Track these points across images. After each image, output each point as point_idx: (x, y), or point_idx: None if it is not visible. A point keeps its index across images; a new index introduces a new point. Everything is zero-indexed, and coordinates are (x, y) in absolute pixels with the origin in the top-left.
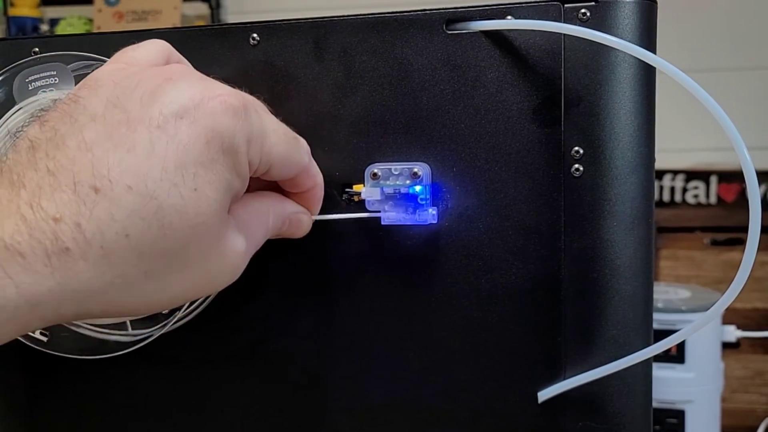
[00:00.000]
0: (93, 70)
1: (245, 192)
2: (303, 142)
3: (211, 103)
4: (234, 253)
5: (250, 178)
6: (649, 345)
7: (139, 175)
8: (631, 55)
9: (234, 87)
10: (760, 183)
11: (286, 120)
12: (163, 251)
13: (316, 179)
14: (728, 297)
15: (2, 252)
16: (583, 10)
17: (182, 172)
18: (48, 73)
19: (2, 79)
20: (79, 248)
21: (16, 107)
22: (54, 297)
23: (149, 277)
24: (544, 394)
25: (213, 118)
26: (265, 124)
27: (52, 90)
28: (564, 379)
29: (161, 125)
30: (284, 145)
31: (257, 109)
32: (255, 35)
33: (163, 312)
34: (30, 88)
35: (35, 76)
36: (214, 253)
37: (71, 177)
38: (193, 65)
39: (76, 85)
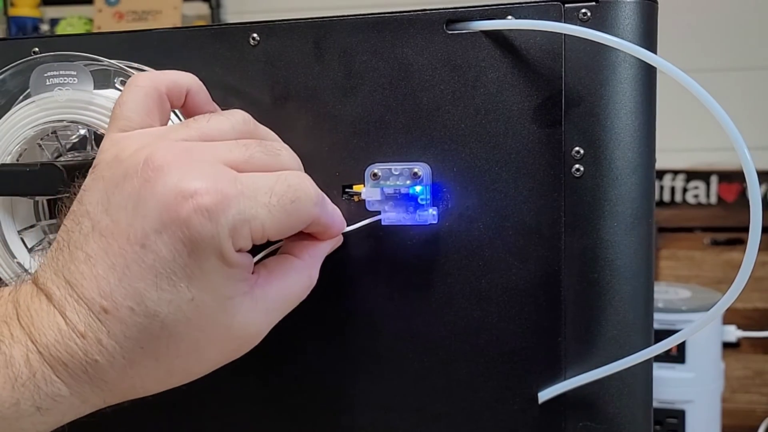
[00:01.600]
0: (93, 71)
1: (283, 253)
2: (306, 196)
3: (185, 212)
4: (247, 332)
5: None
6: (649, 345)
7: (138, 295)
8: (632, 55)
9: (233, 91)
10: (760, 183)
11: (286, 120)
12: (177, 353)
13: (331, 217)
14: (729, 297)
15: (51, 361)
16: (583, 10)
17: (175, 287)
18: (68, 72)
19: (12, 73)
20: (105, 360)
21: (29, 99)
22: (98, 394)
23: (170, 371)
24: (544, 395)
25: (189, 229)
26: (250, 203)
27: (68, 89)
28: (564, 379)
29: (145, 244)
30: (279, 216)
31: (240, 190)
32: (255, 35)
33: None
34: (47, 83)
35: (54, 73)
36: (227, 339)
37: (83, 293)
38: (193, 65)
39: (94, 87)
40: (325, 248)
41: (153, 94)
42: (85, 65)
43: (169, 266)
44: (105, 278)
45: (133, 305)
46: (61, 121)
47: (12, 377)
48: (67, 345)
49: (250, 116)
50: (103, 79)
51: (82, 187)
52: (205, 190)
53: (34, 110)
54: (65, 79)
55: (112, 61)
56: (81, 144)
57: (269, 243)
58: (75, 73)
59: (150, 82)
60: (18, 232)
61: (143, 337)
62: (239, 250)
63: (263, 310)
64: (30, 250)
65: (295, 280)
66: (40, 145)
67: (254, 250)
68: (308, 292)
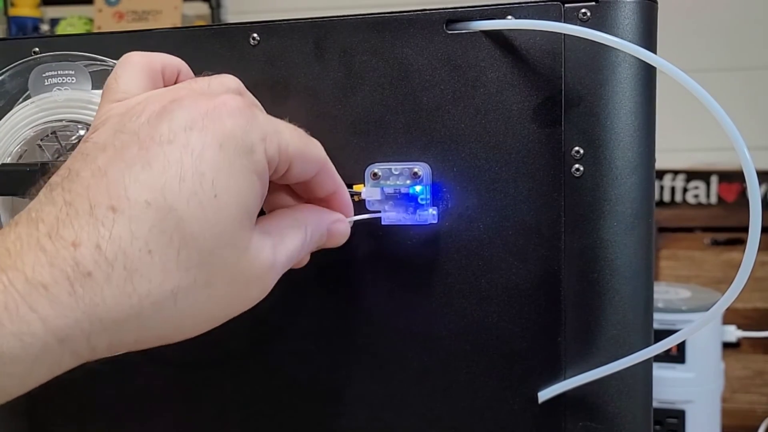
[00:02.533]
0: (94, 71)
1: (279, 207)
2: (316, 141)
3: (217, 108)
4: (261, 264)
5: (283, 192)
6: (649, 345)
7: (157, 188)
8: (632, 55)
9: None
10: (760, 183)
11: (286, 121)
12: (188, 264)
13: (336, 179)
14: (729, 297)
15: (25, 286)
16: (583, 10)
17: (200, 180)
18: (66, 72)
19: (12, 74)
20: (101, 271)
21: (29, 100)
22: (82, 328)
23: (176, 296)
24: (544, 394)
25: (222, 122)
26: (275, 121)
27: (67, 89)
28: (564, 379)
29: (172, 140)
30: (300, 140)
31: (263, 111)
32: (255, 35)
33: None
34: (45, 83)
35: (52, 73)
36: (240, 264)
37: (87, 202)
38: (193, 65)
39: (93, 87)
40: (323, 213)
41: (147, 70)
42: (86, 65)
43: (197, 157)
44: (117, 180)
45: (150, 198)
46: (60, 120)
47: None
48: (51, 263)
49: (237, 80)
50: (103, 80)
51: (87, 136)
52: (234, 96)
53: (34, 110)
54: (63, 79)
55: (112, 60)
56: None
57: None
58: (73, 72)
59: (145, 59)
60: None
61: (153, 236)
62: (267, 163)
63: (269, 243)
64: None
65: (291, 220)
66: (40, 146)
67: None
68: (305, 246)
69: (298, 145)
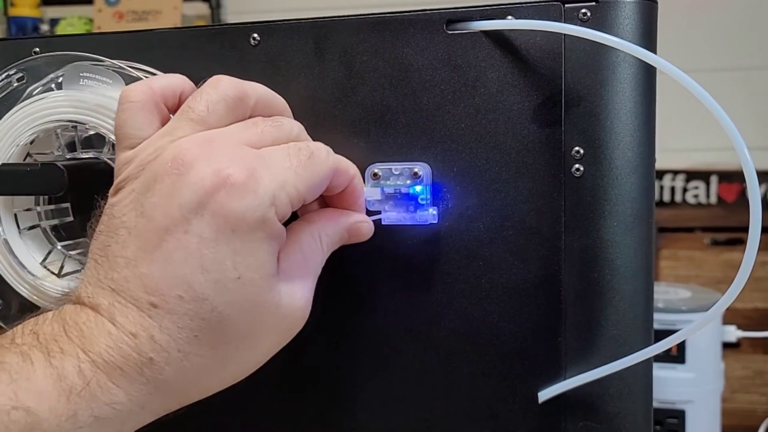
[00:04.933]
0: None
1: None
2: (317, 149)
3: (221, 191)
4: (297, 308)
5: None
6: (649, 345)
7: (185, 282)
8: (632, 55)
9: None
10: (760, 183)
11: None
12: (230, 338)
13: (348, 172)
14: (729, 297)
15: (106, 367)
16: (583, 10)
17: (220, 266)
18: (103, 78)
19: (23, 68)
20: (160, 356)
21: (61, 91)
22: (155, 397)
23: (226, 361)
24: (544, 394)
25: (229, 206)
26: (277, 171)
27: (100, 93)
28: (564, 379)
29: (187, 229)
30: (305, 175)
31: (265, 161)
32: (255, 35)
33: None
34: (80, 82)
35: (90, 75)
36: (278, 318)
37: (130, 295)
38: (193, 65)
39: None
40: (340, 216)
41: (149, 106)
42: (94, 65)
43: (212, 246)
44: (148, 275)
45: (181, 293)
46: (84, 123)
47: (66, 389)
48: (119, 348)
49: (234, 80)
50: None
51: (109, 204)
52: (237, 170)
53: (62, 102)
54: (98, 83)
55: (112, 61)
56: (98, 142)
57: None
58: (111, 81)
59: (142, 95)
60: (19, 232)
61: (195, 324)
62: (280, 220)
63: (299, 283)
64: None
65: (306, 244)
66: (57, 134)
67: None
68: (323, 254)
69: (306, 181)
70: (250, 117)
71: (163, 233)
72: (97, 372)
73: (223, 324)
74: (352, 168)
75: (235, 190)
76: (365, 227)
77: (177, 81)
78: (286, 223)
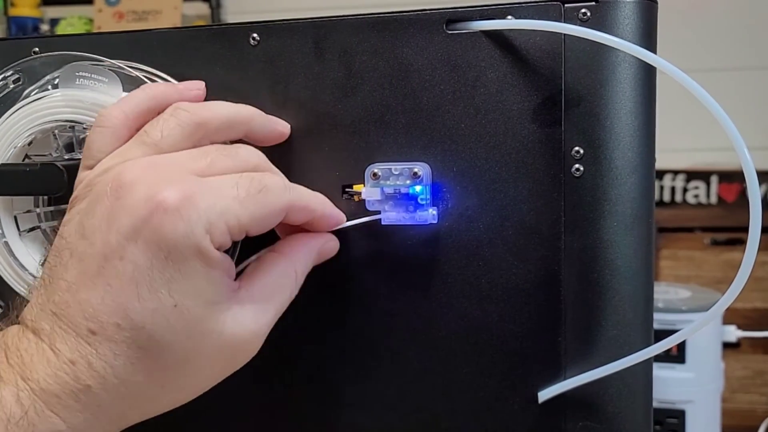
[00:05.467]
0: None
1: (266, 250)
2: (273, 183)
3: (156, 214)
4: (243, 336)
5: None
6: (649, 345)
7: (121, 310)
8: (632, 55)
9: (233, 91)
10: (760, 183)
11: (286, 120)
12: (168, 365)
13: (308, 208)
14: (729, 297)
15: (43, 395)
16: (583, 10)
17: (156, 295)
18: (100, 77)
19: (19, 70)
20: (97, 383)
21: (57, 91)
22: (93, 424)
23: (165, 387)
24: (544, 394)
25: (162, 233)
26: (219, 198)
27: (96, 92)
28: (564, 379)
29: (122, 255)
30: (251, 207)
31: (208, 187)
32: (255, 35)
33: None
34: (77, 82)
35: (86, 74)
36: (220, 345)
37: (70, 320)
38: (193, 65)
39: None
40: (311, 243)
41: (120, 132)
42: (91, 65)
43: (147, 274)
44: (87, 301)
45: (119, 320)
46: (82, 123)
47: (4, 419)
48: (57, 375)
49: (194, 107)
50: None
51: (63, 222)
52: (171, 194)
53: (59, 103)
54: (95, 83)
55: (112, 61)
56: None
57: (254, 249)
58: (107, 80)
59: (115, 120)
60: (19, 234)
61: (132, 352)
62: (218, 248)
63: (251, 312)
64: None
65: (278, 275)
66: (54, 135)
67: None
68: (295, 289)
69: (250, 213)
70: (211, 142)
71: (102, 259)
72: (35, 400)
73: (161, 351)
74: (314, 203)
75: (168, 215)
76: (333, 246)
77: (155, 97)
78: (255, 251)
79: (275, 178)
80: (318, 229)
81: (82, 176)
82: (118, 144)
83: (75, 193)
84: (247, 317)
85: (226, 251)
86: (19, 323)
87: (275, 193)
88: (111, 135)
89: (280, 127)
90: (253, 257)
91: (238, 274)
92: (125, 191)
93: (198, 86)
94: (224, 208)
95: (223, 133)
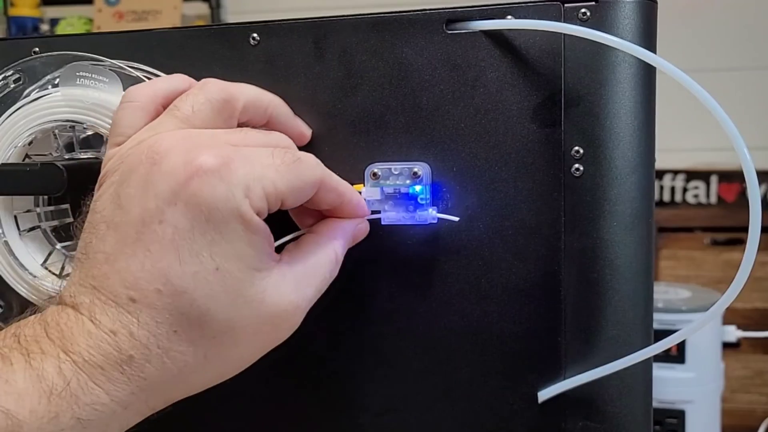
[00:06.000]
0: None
1: (306, 233)
2: (306, 156)
3: (194, 179)
4: (284, 308)
5: (302, 213)
6: (649, 345)
7: (162, 275)
8: (632, 55)
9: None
10: (760, 183)
11: None
12: (211, 334)
13: (339, 190)
14: (728, 297)
15: (86, 367)
16: (583, 10)
17: (198, 258)
18: (100, 77)
19: (20, 69)
20: (140, 353)
21: (57, 91)
22: (139, 396)
23: (209, 358)
24: (544, 394)
25: (202, 195)
26: (256, 165)
27: (97, 92)
28: (564, 378)
29: (162, 219)
30: (287, 175)
31: (244, 155)
32: (255, 35)
33: None
34: (77, 81)
35: (86, 74)
36: (261, 315)
37: (110, 291)
38: (193, 65)
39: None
40: (346, 226)
41: (148, 107)
42: (92, 65)
43: (188, 236)
44: (127, 268)
45: (160, 286)
46: (82, 123)
47: (47, 390)
48: (99, 347)
49: (221, 83)
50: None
51: (94, 198)
52: (209, 158)
53: (59, 102)
54: (95, 83)
55: (112, 61)
56: (97, 142)
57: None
58: (108, 80)
59: (144, 97)
60: (20, 234)
61: (174, 319)
62: (257, 214)
63: (293, 284)
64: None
65: (318, 255)
66: (55, 135)
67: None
68: (335, 269)
69: (286, 182)
70: (238, 121)
71: (140, 225)
72: (77, 372)
73: (203, 318)
74: (342, 186)
75: (207, 178)
76: (365, 228)
77: (180, 83)
78: (295, 237)
79: (308, 154)
80: (344, 216)
81: (112, 152)
82: (147, 120)
83: (105, 169)
84: (288, 288)
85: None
86: (57, 304)
87: (309, 165)
88: (140, 110)
89: (303, 128)
90: (289, 236)
91: (277, 251)
92: (161, 157)
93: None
94: (261, 174)
95: (250, 112)
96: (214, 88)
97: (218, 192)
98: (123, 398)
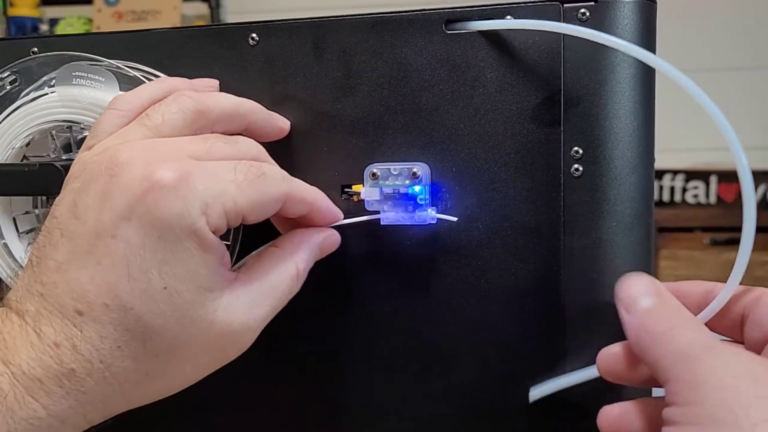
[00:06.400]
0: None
1: (267, 245)
2: (271, 171)
3: (151, 192)
4: (233, 328)
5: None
6: None
7: (111, 289)
8: (631, 56)
9: (232, 91)
10: (759, 183)
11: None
12: (155, 352)
13: (306, 199)
14: (723, 297)
15: (25, 380)
16: (582, 10)
17: (146, 275)
18: (96, 77)
19: (16, 71)
20: (82, 367)
21: (53, 92)
22: (77, 411)
23: (151, 375)
24: (536, 394)
25: (157, 210)
26: (217, 180)
27: (93, 92)
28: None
29: (115, 234)
30: (248, 191)
31: (205, 169)
32: (254, 35)
33: None
34: (73, 81)
35: (82, 74)
36: (209, 335)
37: (57, 301)
38: (192, 65)
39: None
40: (312, 238)
41: (129, 116)
42: (89, 65)
43: (139, 253)
44: (77, 280)
45: (107, 300)
46: (79, 123)
47: None
48: (40, 359)
49: (196, 94)
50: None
51: (54, 202)
52: (167, 173)
53: (55, 103)
54: (91, 83)
55: (111, 61)
56: None
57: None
58: (104, 79)
59: (127, 104)
60: (18, 235)
61: (119, 335)
62: (214, 232)
63: (246, 304)
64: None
65: (278, 270)
66: (52, 135)
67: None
68: (295, 285)
69: (247, 197)
70: (211, 132)
71: (93, 237)
72: (15, 385)
73: (148, 335)
74: (312, 196)
75: (163, 193)
76: (335, 240)
77: (166, 91)
78: (254, 247)
79: (273, 167)
80: (315, 224)
81: (81, 156)
82: (123, 126)
83: (70, 173)
84: (240, 309)
85: (225, 244)
86: (2, 306)
87: (273, 180)
88: (120, 117)
89: (280, 123)
90: (254, 252)
91: (238, 268)
92: (120, 169)
93: (212, 84)
94: (221, 191)
95: (224, 123)
96: (188, 98)
97: (173, 208)
98: (60, 412)
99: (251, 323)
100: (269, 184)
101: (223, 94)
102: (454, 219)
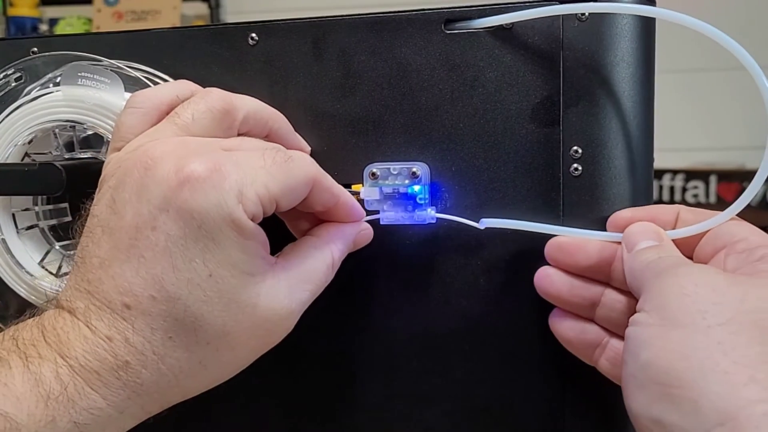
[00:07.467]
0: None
1: (304, 234)
2: (298, 155)
3: (185, 186)
4: (274, 312)
5: (297, 218)
6: None
7: (156, 282)
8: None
9: (232, 90)
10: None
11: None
12: (207, 339)
13: (333, 191)
14: (703, 226)
15: (83, 372)
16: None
17: (191, 264)
18: (102, 78)
19: (21, 68)
20: (136, 359)
21: (58, 90)
22: (135, 402)
23: (204, 364)
24: (486, 223)
25: (193, 203)
26: (247, 168)
27: (98, 93)
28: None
29: (155, 226)
30: (279, 176)
31: (234, 160)
32: (254, 35)
33: None
34: (78, 81)
35: (88, 74)
36: (255, 321)
37: (104, 297)
38: (192, 65)
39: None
40: (347, 230)
41: (151, 113)
42: (92, 65)
43: (181, 243)
44: (121, 275)
45: (154, 293)
46: (83, 123)
47: (44, 395)
48: (95, 352)
49: (224, 93)
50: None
51: (93, 202)
52: (200, 165)
53: (60, 102)
54: (96, 83)
55: (110, 60)
56: (97, 142)
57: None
58: (109, 81)
59: (148, 103)
60: (17, 232)
61: (169, 325)
62: (251, 219)
63: (287, 288)
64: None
65: (315, 257)
66: (55, 134)
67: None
68: (331, 273)
69: (278, 181)
70: (238, 132)
71: (134, 231)
72: (74, 377)
73: (198, 324)
74: (337, 188)
75: (199, 185)
76: (368, 233)
77: (185, 90)
78: (293, 239)
79: (300, 152)
80: (339, 220)
81: (111, 157)
82: (148, 125)
83: (104, 173)
84: (282, 292)
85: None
86: (54, 307)
87: (302, 163)
88: (142, 116)
89: (302, 144)
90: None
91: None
92: (155, 163)
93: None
94: (253, 178)
95: (250, 123)
96: (216, 97)
97: (210, 199)
98: (119, 403)
99: (293, 307)
100: (298, 166)
101: (248, 96)
102: (482, 227)
